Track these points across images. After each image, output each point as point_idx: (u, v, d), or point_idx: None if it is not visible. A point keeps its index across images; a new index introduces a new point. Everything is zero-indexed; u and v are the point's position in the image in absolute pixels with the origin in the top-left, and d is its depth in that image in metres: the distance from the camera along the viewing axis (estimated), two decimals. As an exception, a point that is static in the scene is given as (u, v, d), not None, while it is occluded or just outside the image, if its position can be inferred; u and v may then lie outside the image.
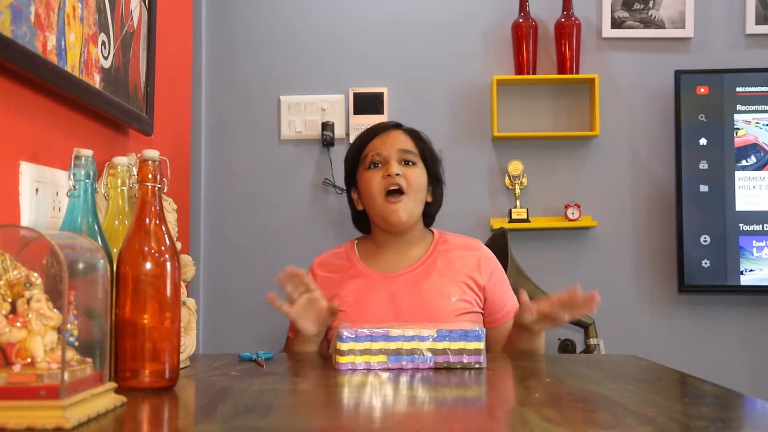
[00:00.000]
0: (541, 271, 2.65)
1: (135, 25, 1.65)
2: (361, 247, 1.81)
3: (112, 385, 0.95)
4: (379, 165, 1.72)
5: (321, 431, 0.90)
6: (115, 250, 1.13)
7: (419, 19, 2.84)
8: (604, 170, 2.81)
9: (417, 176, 1.72)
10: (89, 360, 0.92)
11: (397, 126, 1.81)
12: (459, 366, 1.30)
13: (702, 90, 2.70)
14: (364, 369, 1.29)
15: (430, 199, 1.79)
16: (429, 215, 1.82)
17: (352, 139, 2.78)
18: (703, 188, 2.68)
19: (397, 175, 1.69)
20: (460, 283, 1.70)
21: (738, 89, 2.69)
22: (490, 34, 2.83)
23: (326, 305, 1.53)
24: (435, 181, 1.80)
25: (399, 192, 1.69)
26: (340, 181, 2.79)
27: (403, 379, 1.23)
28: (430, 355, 1.30)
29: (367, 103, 2.78)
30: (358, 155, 1.77)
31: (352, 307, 1.67)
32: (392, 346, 1.30)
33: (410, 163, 1.73)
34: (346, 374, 1.26)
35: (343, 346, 1.29)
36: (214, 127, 2.83)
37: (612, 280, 2.78)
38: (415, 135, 1.79)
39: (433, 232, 1.82)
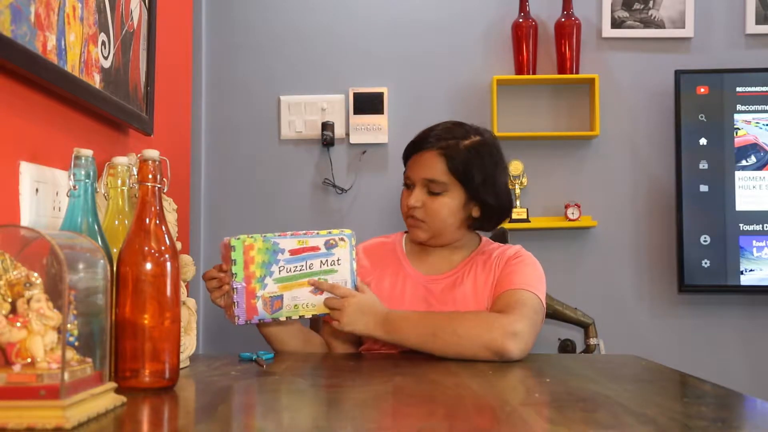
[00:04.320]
0: (541, 271, 2.65)
1: (135, 25, 1.65)
2: (408, 241, 1.78)
3: (112, 385, 0.95)
4: (410, 186, 1.67)
5: (321, 431, 0.90)
6: (115, 250, 1.13)
7: (419, 19, 2.84)
8: (604, 170, 2.81)
9: (440, 206, 1.63)
10: (89, 360, 0.92)
11: (433, 145, 1.65)
12: None
13: (702, 90, 2.70)
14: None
15: (477, 214, 1.67)
16: (484, 226, 1.72)
17: (352, 139, 2.79)
18: (703, 188, 2.68)
19: (416, 207, 1.64)
20: (492, 289, 1.65)
21: (738, 89, 2.69)
22: (490, 34, 2.83)
23: None
24: (482, 197, 1.66)
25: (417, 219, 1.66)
26: (340, 181, 2.81)
27: (403, 379, 1.23)
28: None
29: (367, 103, 2.78)
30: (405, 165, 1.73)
31: (386, 301, 1.62)
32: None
33: (435, 193, 1.63)
34: (347, 374, 1.26)
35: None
36: (214, 127, 2.83)
37: (612, 280, 2.78)
38: (451, 156, 1.63)
39: (480, 239, 1.76)
